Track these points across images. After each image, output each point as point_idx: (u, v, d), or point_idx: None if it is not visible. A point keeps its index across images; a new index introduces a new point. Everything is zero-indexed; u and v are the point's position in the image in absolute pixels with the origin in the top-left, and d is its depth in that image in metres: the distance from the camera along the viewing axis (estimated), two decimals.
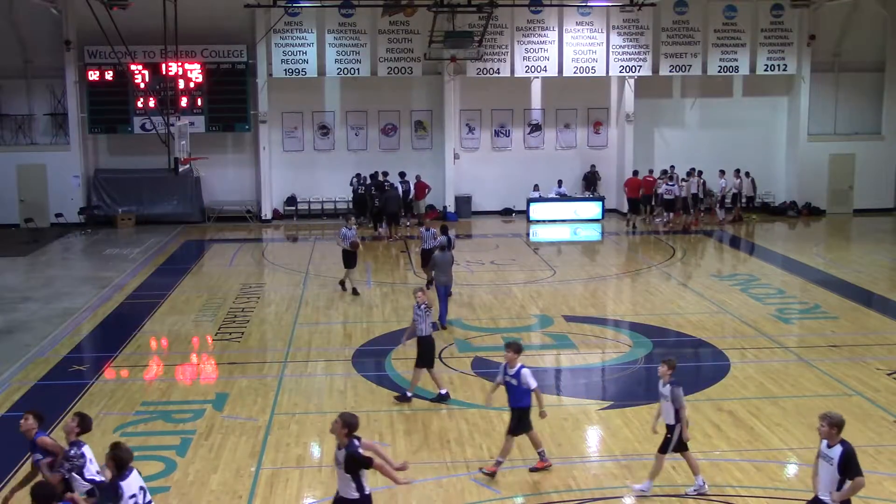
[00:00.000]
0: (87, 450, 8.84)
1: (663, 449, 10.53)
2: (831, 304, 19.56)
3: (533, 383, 10.91)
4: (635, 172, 30.72)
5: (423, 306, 13.59)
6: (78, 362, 15.94)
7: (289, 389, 14.31)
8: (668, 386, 10.46)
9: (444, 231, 19.77)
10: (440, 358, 15.71)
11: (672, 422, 10.48)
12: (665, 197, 29.85)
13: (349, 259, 20.68)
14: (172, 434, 12.47)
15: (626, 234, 29.11)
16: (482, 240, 28.21)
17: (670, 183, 29.76)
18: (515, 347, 11.14)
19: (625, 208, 31.96)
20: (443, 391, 13.65)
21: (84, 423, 8.99)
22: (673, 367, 10.54)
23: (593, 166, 32.12)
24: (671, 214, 29.91)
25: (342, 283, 20.92)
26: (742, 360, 15.66)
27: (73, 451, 8.71)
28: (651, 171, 30.76)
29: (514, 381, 10.97)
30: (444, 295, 18.10)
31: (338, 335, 17.54)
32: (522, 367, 11.03)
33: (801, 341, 17.07)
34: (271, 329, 18.10)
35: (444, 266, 18.09)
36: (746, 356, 15.91)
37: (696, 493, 10.49)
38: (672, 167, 30.36)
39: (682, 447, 10.57)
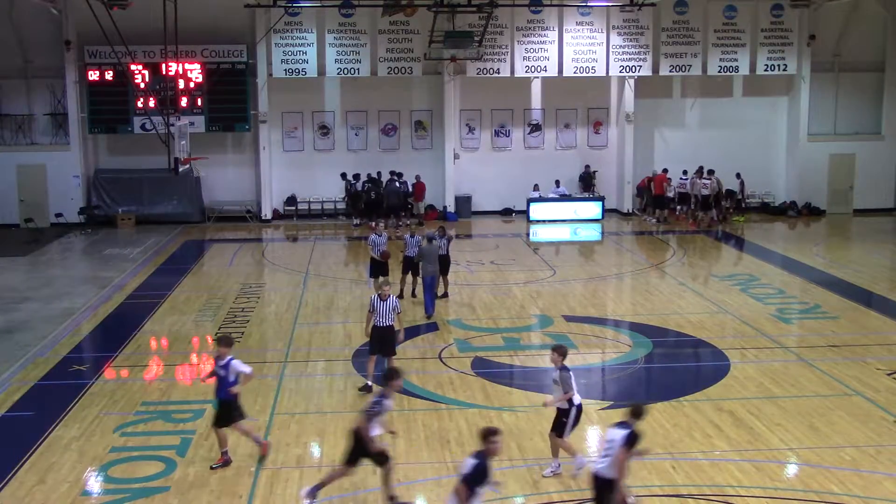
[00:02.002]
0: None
1: (559, 433, 11.00)
2: (831, 304, 19.56)
3: (246, 369, 11.32)
4: (665, 170, 30.81)
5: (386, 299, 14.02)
6: (78, 362, 15.93)
7: (289, 389, 14.32)
8: (557, 371, 10.95)
9: (442, 232, 19.69)
10: (440, 358, 15.75)
11: (565, 406, 10.90)
12: (679, 191, 30.37)
13: (380, 269, 19.29)
14: (172, 434, 12.47)
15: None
16: (482, 240, 28.21)
17: (683, 178, 30.14)
18: (225, 342, 11.48)
19: (625, 208, 32.12)
20: (368, 383, 14.05)
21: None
22: (563, 353, 11.02)
23: (588, 166, 32.12)
24: (684, 208, 30.40)
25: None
26: (742, 360, 15.66)
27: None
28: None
29: (222, 372, 11.27)
30: (431, 285, 18.53)
31: (338, 335, 17.54)
32: (232, 358, 11.34)
33: (801, 341, 17.08)
34: (271, 329, 18.10)
35: (431, 257, 18.58)
36: (746, 356, 15.91)
37: (552, 474, 11.01)
38: (701, 168, 30.43)
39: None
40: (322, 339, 17.29)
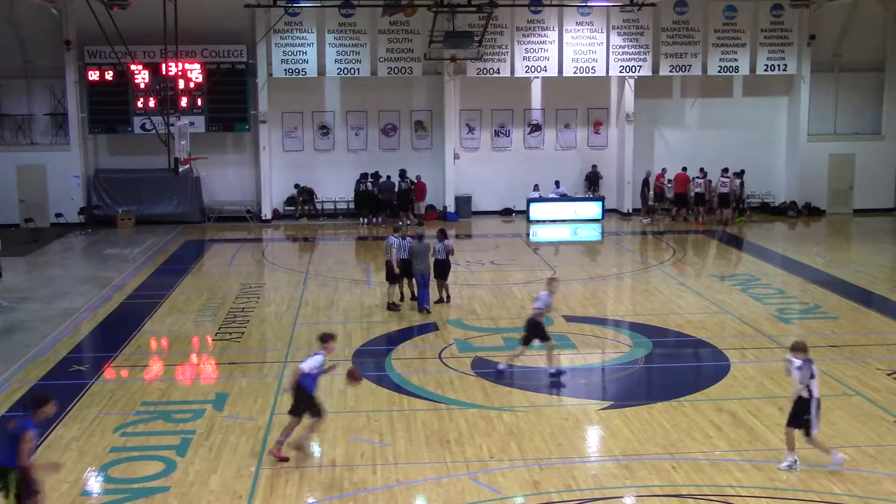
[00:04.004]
0: None
1: (806, 430, 11.17)
2: (831, 304, 19.56)
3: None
4: (684, 168, 30.78)
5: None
6: (78, 362, 15.93)
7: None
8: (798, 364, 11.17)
9: (443, 235, 19.51)
10: (440, 358, 15.75)
11: (806, 395, 11.10)
12: (696, 191, 30.58)
13: (406, 270, 18.98)
14: (172, 434, 12.46)
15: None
16: (482, 240, 28.21)
17: (699, 177, 30.39)
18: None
19: (625, 208, 32.13)
20: (553, 369, 14.96)
21: None
22: (800, 349, 11.26)
23: (594, 166, 32.14)
24: (701, 209, 30.66)
25: (390, 304, 19.09)
26: (742, 360, 15.66)
27: None
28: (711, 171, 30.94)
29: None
30: (423, 282, 18.79)
31: (338, 335, 17.48)
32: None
33: None
34: (271, 329, 18.09)
35: (421, 255, 18.87)
36: (746, 356, 15.91)
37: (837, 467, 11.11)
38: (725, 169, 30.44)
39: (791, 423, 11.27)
40: None
